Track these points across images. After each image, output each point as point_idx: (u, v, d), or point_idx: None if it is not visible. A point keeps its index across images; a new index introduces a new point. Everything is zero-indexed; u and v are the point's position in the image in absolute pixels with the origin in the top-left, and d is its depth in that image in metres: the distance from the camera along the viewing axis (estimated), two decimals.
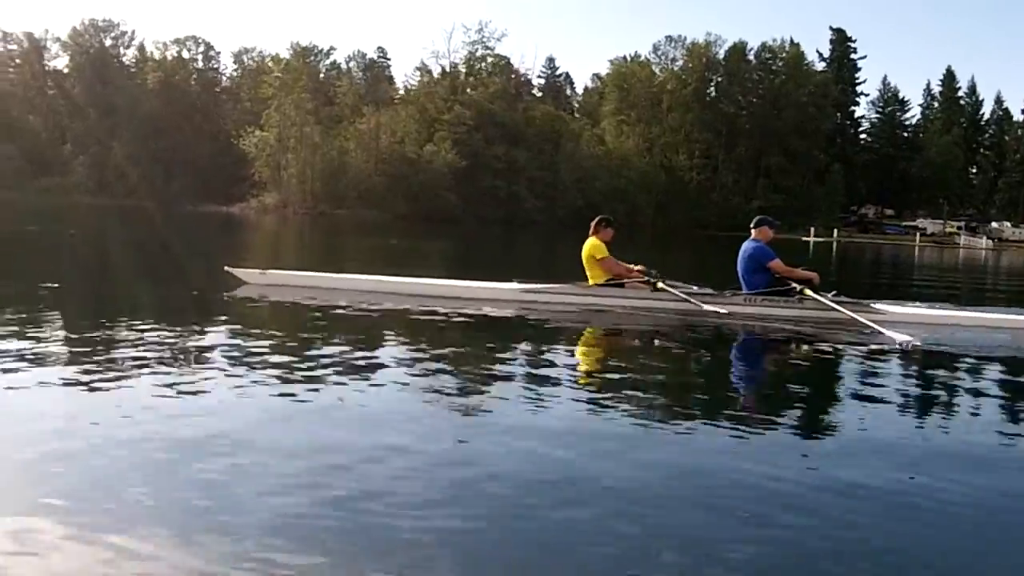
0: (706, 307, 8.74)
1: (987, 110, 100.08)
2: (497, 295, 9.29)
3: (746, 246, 9.32)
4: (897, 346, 7.14)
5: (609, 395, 5.07)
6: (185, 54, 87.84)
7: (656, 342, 7.67)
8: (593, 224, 9.63)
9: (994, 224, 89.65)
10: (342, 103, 71.33)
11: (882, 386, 5.75)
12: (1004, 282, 24.40)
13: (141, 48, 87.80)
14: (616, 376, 5.95)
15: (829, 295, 8.90)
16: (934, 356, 7.18)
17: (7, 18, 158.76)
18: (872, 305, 8.97)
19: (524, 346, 7.05)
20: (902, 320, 8.57)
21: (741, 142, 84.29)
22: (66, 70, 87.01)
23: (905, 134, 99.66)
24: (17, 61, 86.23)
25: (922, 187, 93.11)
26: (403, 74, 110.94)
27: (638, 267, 9.44)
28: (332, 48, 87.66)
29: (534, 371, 5.78)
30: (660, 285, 9.06)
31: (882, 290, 15.35)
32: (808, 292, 8.82)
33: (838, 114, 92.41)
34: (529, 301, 9.02)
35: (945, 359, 7.11)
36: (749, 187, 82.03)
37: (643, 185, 76.21)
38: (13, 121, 79.99)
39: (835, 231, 72.11)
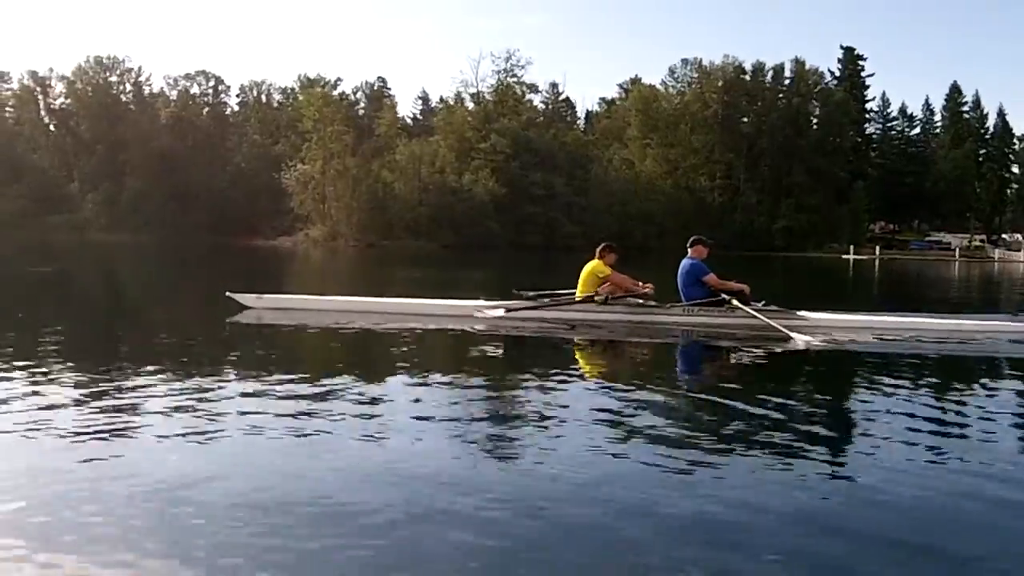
0: (648, 317, 10.04)
1: (990, 123, 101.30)
2: (482, 312, 10.14)
3: (684, 263, 10.37)
4: (800, 347, 8.42)
5: (575, 406, 5.35)
6: (195, 89, 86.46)
7: (602, 349, 8.91)
8: (599, 250, 10.72)
9: (1005, 236, 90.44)
10: (385, 134, 70.11)
11: (783, 384, 6.84)
12: None
13: (140, 85, 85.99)
14: (581, 386, 6.51)
15: (758, 305, 9.86)
16: (835, 356, 8.38)
17: (9, 58, 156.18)
18: (797, 313, 9.88)
19: (501, 360, 7.83)
20: (818, 325, 9.56)
21: (763, 162, 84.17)
22: (71, 108, 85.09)
23: (911, 149, 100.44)
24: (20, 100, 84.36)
25: (933, 202, 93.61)
26: (414, 103, 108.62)
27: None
28: (339, 79, 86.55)
29: (507, 384, 6.33)
30: (609, 300, 10.18)
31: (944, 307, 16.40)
32: (735, 303, 9.78)
33: (851, 132, 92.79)
34: (506, 317, 9.96)
35: (846, 357, 8.28)
36: (773, 206, 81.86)
37: (670, 208, 75.84)
38: (19, 160, 78.11)
39: (877, 249, 72.06)
